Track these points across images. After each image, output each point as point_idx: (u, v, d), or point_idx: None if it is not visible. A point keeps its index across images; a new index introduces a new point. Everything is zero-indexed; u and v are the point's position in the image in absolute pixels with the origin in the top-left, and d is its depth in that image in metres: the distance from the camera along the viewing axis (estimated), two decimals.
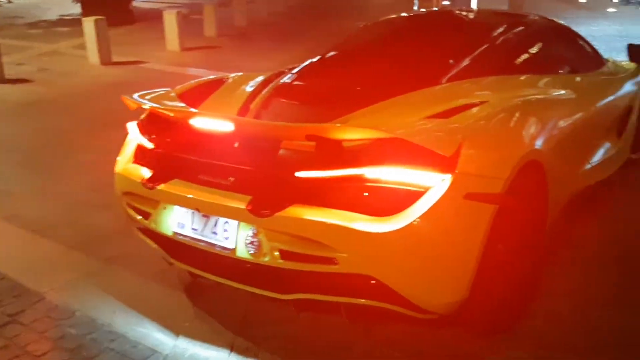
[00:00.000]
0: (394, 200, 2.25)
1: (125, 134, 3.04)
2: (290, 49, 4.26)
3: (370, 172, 2.26)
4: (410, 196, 2.24)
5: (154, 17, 14.63)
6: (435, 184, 2.24)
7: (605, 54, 4.58)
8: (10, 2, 21.48)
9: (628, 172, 4.40)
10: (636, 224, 3.74)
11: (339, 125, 2.34)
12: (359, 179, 2.27)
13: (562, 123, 3.18)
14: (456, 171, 2.27)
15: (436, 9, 7.32)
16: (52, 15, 17.75)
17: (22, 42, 12.56)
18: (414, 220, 2.20)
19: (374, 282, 2.27)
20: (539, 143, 2.80)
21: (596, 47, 4.52)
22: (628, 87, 4.29)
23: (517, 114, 2.81)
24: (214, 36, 12.87)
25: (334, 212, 2.26)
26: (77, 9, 15.94)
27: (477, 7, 13.56)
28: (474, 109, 2.69)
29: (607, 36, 11.37)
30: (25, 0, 22.98)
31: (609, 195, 4.12)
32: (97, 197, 4.27)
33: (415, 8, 12.61)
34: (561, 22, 4.46)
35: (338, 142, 2.32)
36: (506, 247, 2.49)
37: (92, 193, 4.39)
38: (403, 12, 5.00)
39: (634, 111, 4.35)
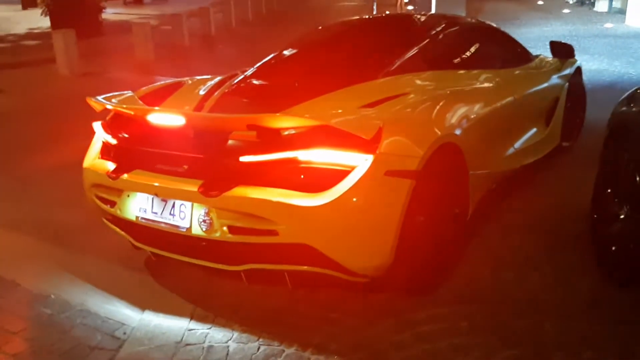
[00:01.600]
0: (325, 178, 2.62)
1: (91, 136, 3.38)
2: (253, 54, 4.57)
3: (304, 155, 2.63)
4: (339, 174, 2.62)
5: (124, 29, 14.88)
6: (359, 163, 2.62)
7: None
8: None
9: (557, 157, 4.85)
10: (558, 202, 4.16)
11: (273, 114, 2.69)
12: (294, 161, 2.64)
13: (481, 111, 3.59)
14: (377, 152, 2.65)
15: (388, 12, 7.77)
16: (21, 29, 17.84)
17: None
18: (342, 195, 2.58)
19: (310, 249, 2.63)
20: (455, 128, 3.20)
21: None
22: (553, 80, 4.74)
23: (435, 103, 3.21)
24: (183, 45, 13.15)
25: (274, 190, 2.63)
26: (46, 22, 16.09)
27: (436, 11, 14.08)
28: (397, 100, 3.09)
29: (558, 36, 11.96)
30: None
31: (537, 177, 4.54)
32: (64, 197, 4.57)
33: (374, 13, 13.12)
34: (492, 24, 4.91)
35: (275, 130, 2.69)
36: (426, 217, 2.88)
37: (60, 193, 4.69)
38: (359, 16, 5.41)
39: (561, 102, 4.78)
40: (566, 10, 17.57)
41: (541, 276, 3.22)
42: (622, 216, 3.08)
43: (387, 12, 7.62)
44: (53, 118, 7.38)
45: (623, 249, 3.03)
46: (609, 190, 3.28)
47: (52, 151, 5.88)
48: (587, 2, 18.54)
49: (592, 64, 9.18)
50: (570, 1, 20.09)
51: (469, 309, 2.91)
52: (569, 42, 5.22)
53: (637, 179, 2.92)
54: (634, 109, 3.23)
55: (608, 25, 14.08)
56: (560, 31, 13.04)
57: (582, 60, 9.28)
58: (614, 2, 16.88)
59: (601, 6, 17.21)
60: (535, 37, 11.71)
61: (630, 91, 3.53)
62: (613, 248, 3.11)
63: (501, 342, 2.65)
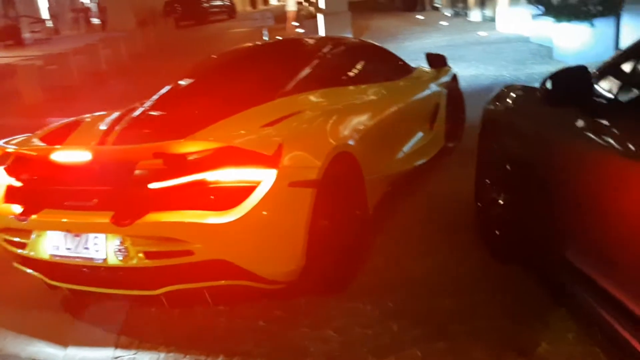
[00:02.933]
0: (233, 195, 2.81)
1: None
2: (149, 86, 4.64)
3: (211, 176, 2.82)
4: (246, 190, 2.82)
5: (7, 73, 14.27)
6: (264, 178, 2.84)
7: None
8: None
9: (445, 157, 5.31)
10: (449, 197, 4.57)
11: (178, 141, 2.85)
12: (202, 182, 2.82)
13: (371, 121, 3.93)
14: (280, 166, 2.88)
15: (280, 38, 8.13)
16: None
17: None
18: (251, 209, 2.77)
19: (226, 263, 2.80)
20: (349, 138, 3.51)
21: None
22: (432, 87, 5.20)
23: (329, 118, 3.51)
24: (71, 84, 12.83)
25: (185, 212, 2.78)
26: None
27: (325, 32, 14.65)
28: (293, 117, 3.35)
29: (437, 47, 12.85)
30: None
31: (429, 176, 4.96)
32: None
33: (265, 39, 13.49)
34: (373, 42, 5.33)
35: (181, 155, 2.85)
36: (330, 220, 3.13)
37: None
38: (251, 43, 5.66)
39: (441, 107, 5.25)
40: (444, 22, 18.80)
41: (435, 261, 3.57)
42: (500, 202, 3.50)
43: (278, 37, 7.95)
44: None
45: (502, 230, 3.43)
46: (487, 180, 3.70)
47: None
48: (462, 13, 19.93)
49: (470, 70, 9.95)
50: (447, 14, 21.49)
51: (379, 299, 3.19)
52: (447, 51, 5.73)
53: (507, 167, 3.33)
54: (500, 106, 3.67)
55: (482, 33, 15.23)
56: (439, 42, 13.98)
57: (460, 67, 10.11)
58: (486, 12, 18.28)
59: (474, 16, 18.57)
60: (417, 49, 12.48)
61: (498, 90, 3.99)
62: (495, 230, 3.51)
63: (411, 324, 2.93)
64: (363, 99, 4.19)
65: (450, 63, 5.78)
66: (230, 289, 2.95)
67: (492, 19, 16.61)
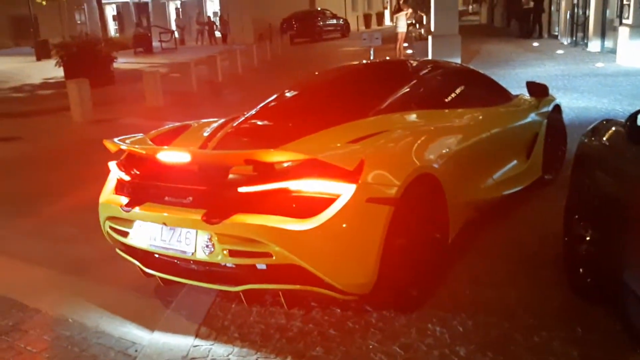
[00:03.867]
0: (313, 205, 2.97)
1: (102, 178, 3.76)
2: (257, 98, 4.92)
3: (294, 185, 2.99)
4: (325, 202, 2.97)
5: (134, 77, 15.52)
6: (343, 192, 2.97)
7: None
8: None
9: (540, 189, 5.18)
10: (537, 229, 4.46)
11: (267, 150, 3.06)
12: (286, 190, 3.00)
13: (460, 146, 3.95)
14: (359, 181, 3.00)
15: (388, 58, 8.32)
16: (36, 79, 18.60)
17: (9, 104, 13.32)
18: (328, 220, 2.92)
19: (301, 269, 2.95)
20: (434, 160, 3.56)
21: None
22: (531, 117, 5.11)
23: (417, 138, 3.57)
24: (191, 92, 13.72)
25: (268, 217, 2.97)
26: (59, 72, 16.80)
27: (432, 55, 14.62)
28: (380, 135, 3.47)
29: (550, 76, 12.43)
30: (4, 66, 23.89)
31: (520, 207, 4.86)
32: (79, 234, 4.93)
33: (371, 58, 13.69)
34: (480, 67, 5.32)
35: (269, 164, 3.06)
36: (407, 240, 3.20)
37: (75, 230, 5.06)
38: (359, 61, 5.87)
39: (540, 137, 5.14)
40: (560, 51, 18.10)
41: (518, 294, 3.50)
42: (587, 238, 3.40)
43: (387, 58, 8.15)
44: (68, 163, 7.82)
45: (588, 268, 3.32)
46: (576, 216, 3.59)
47: (67, 192, 6.27)
48: (581, 42, 19.10)
49: (581, 102, 9.55)
50: (564, 42, 20.66)
51: (450, 322, 3.20)
52: (560, 81, 5.58)
53: (597, 204, 3.24)
54: (594, 139, 3.57)
55: (599, 64, 14.53)
56: (552, 71, 13.50)
57: (571, 97, 9.75)
58: (606, 43, 17.41)
59: (594, 46, 17.73)
60: (528, 77, 12.08)
61: (595, 123, 3.88)
62: (580, 268, 3.41)
63: (479, 350, 2.93)
64: (456, 123, 4.21)
65: (561, 93, 5.66)
66: (306, 295, 3.10)
67: (613, 51, 15.79)
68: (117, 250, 3.69)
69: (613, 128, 3.47)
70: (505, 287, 3.58)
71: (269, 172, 3.05)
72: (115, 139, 3.64)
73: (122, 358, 3.16)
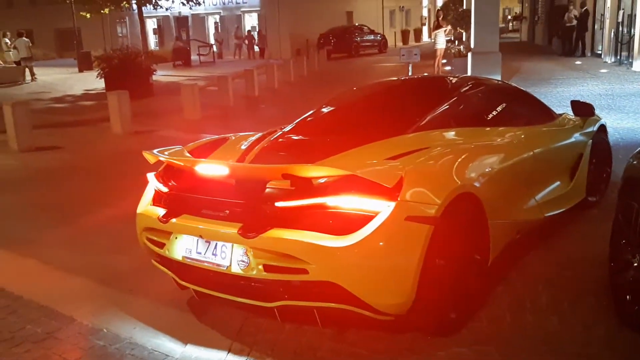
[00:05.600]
0: (351, 222, 2.91)
1: (140, 189, 3.77)
2: (293, 112, 4.93)
3: (332, 201, 2.94)
4: (363, 219, 2.91)
5: (173, 90, 15.78)
6: (382, 209, 2.91)
7: None
8: (33, 80, 23.02)
9: (585, 211, 5.02)
10: (582, 253, 4.31)
11: (305, 165, 3.02)
12: (324, 206, 2.95)
13: (502, 165, 3.85)
14: (399, 199, 2.94)
15: (426, 74, 8.31)
16: (77, 90, 19.08)
17: (50, 114, 13.67)
18: (366, 237, 2.86)
19: (337, 287, 2.89)
20: (475, 179, 3.47)
21: None
22: (576, 137, 4.97)
23: (457, 156, 3.49)
24: (228, 105, 13.86)
25: (305, 232, 2.93)
26: (100, 84, 17.19)
27: (472, 72, 14.46)
28: (420, 152, 3.41)
29: (593, 95, 12.14)
30: (48, 77, 24.59)
31: (563, 229, 4.71)
32: (116, 245, 4.97)
33: (410, 74, 13.60)
34: (521, 85, 5.20)
35: (307, 179, 3.02)
36: (446, 261, 3.11)
37: (112, 241, 5.10)
38: (398, 77, 5.81)
39: (584, 158, 4.99)
40: (604, 70, 17.71)
41: (561, 320, 3.37)
42: (635, 264, 3.25)
43: (425, 74, 8.11)
44: (107, 173, 7.94)
45: (636, 295, 3.18)
46: (623, 240, 3.45)
47: (105, 203, 6.35)
48: (625, 62, 18.66)
49: (627, 122, 9.29)
50: (608, 61, 20.23)
51: (488, 349, 3.09)
52: (603, 100, 5.43)
53: None
54: None
55: None
56: (596, 90, 13.19)
57: (616, 118, 9.49)
58: None
59: (638, 66, 17.30)
60: (570, 96, 11.89)
61: None
62: (627, 295, 3.26)
63: None
64: (498, 141, 4.11)
65: (605, 113, 5.50)
66: (339, 313, 3.03)
67: None
68: (153, 262, 3.69)
69: None
70: (547, 313, 3.45)
71: (306, 187, 3.01)
72: (154, 151, 3.66)
73: None
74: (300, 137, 4.18)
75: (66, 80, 22.92)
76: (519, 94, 5.11)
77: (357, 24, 35.09)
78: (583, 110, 5.13)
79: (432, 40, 19.25)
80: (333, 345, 3.20)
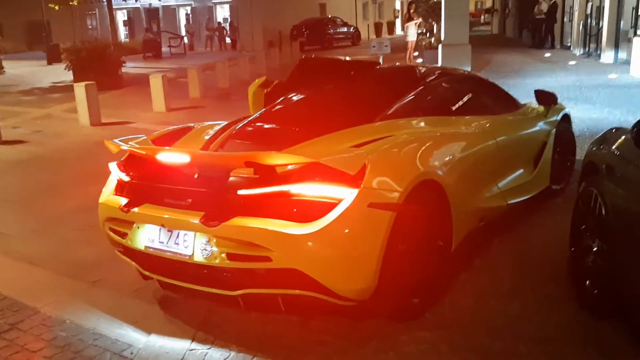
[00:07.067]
0: (314, 209, 2.91)
1: (104, 181, 3.73)
2: None
3: (295, 188, 2.94)
4: (327, 206, 2.91)
5: (142, 82, 15.56)
6: (345, 196, 2.91)
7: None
8: (2, 73, 22.51)
9: (549, 199, 5.10)
10: (544, 241, 4.38)
11: (268, 152, 3.01)
12: (287, 194, 2.95)
13: (465, 153, 3.88)
14: (362, 186, 2.95)
15: (398, 64, 8.35)
16: (45, 83, 18.68)
17: (17, 107, 13.39)
18: (329, 224, 2.86)
19: (300, 274, 2.89)
20: (438, 167, 3.50)
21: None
22: (539, 125, 5.04)
23: (421, 144, 3.51)
24: (198, 97, 13.72)
25: (268, 220, 2.92)
26: (68, 76, 16.87)
27: (442, 64, 14.56)
28: (385, 140, 3.42)
29: (562, 86, 12.32)
30: (17, 70, 24.06)
31: (527, 217, 4.78)
32: (80, 236, 4.91)
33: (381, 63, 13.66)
34: (481, 75, 5.25)
35: (270, 167, 3.01)
36: (408, 246, 3.13)
37: (76, 233, 5.03)
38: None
39: (548, 146, 5.06)
40: (572, 62, 17.99)
41: (522, 305, 3.43)
42: (594, 249, 3.32)
43: (397, 64, 8.18)
44: (73, 165, 7.81)
45: (595, 280, 3.25)
46: (583, 226, 3.52)
47: (70, 195, 6.25)
48: (594, 53, 18.98)
49: (593, 113, 9.45)
50: (577, 53, 20.56)
51: (450, 333, 3.13)
52: (571, 92, 5.49)
53: (604, 213, 3.16)
54: (602, 148, 3.50)
55: (612, 76, 14.42)
56: (564, 82, 13.39)
57: (583, 108, 9.66)
58: (619, 54, 17.28)
59: (607, 57, 17.60)
60: (539, 87, 12.07)
61: (603, 132, 3.80)
62: (586, 279, 3.33)
63: None
64: (462, 130, 4.15)
65: (572, 104, 5.58)
66: (304, 300, 3.04)
67: (626, 62, 15.67)
68: (117, 252, 3.64)
69: (622, 136, 3.40)
70: (509, 298, 3.51)
71: (269, 175, 3.00)
72: (116, 140, 3.60)
73: None
74: (265, 125, 4.16)
75: (35, 73, 22.43)
76: (484, 84, 5.16)
77: (330, 16, 35.04)
78: (547, 99, 5.20)
79: (404, 33, 19.32)
80: (298, 332, 3.21)
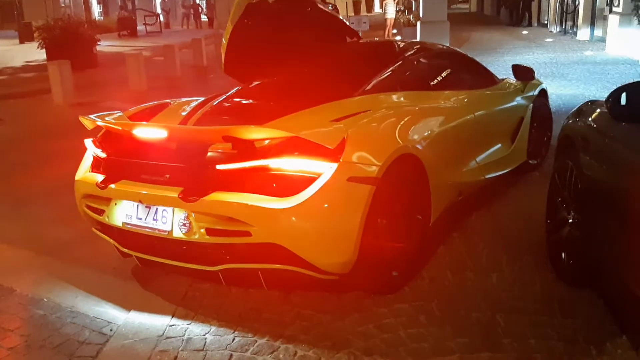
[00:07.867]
0: (294, 183, 2.91)
1: (80, 159, 3.67)
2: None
3: (274, 163, 2.92)
4: (306, 180, 2.91)
5: (118, 61, 15.29)
6: (324, 170, 2.91)
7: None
8: None
9: (526, 174, 5.16)
10: (521, 214, 4.44)
11: (246, 126, 2.98)
12: (266, 168, 2.93)
13: (443, 127, 3.90)
14: (341, 160, 2.94)
15: (377, 39, 8.32)
16: (18, 62, 18.25)
17: None
18: (309, 198, 2.86)
19: (281, 248, 2.89)
20: (416, 141, 3.51)
21: None
22: (517, 100, 5.07)
23: (400, 119, 3.52)
24: (176, 75, 13.53)
25: (247, 195, 2.91)
26: (42, 55, 16.49)
27: (420, 39, 14.55)
28: (364, 114, 3.40)
29: (538, 63, 12.43)
30: None
31: (504, 191, 4.84)
32: (57, 215, 4.84)
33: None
34: (460, 50, 5.26)
35: (249, 141, 2.98)
36: (387, 220, 3.15)
37: (53, 211, 4.96)
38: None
39: (525, 121, 5.10)
40: (549, 39, 18.13)
41: (499, 278, 3.48)
42: (569, 221, 3.37)
43: (376, 39, 8.16)
44: (47, 144, 7.67)
45: (571, 251, 3.30)
46: (559, 198, 3.57)
47: (45, 174, 6.16)
48: (570, 31, 19.13)
49: (569, 89, 9.55)
50: (553, 30, 20.70)
51: (428, 305, 3.17)
52: (548, 68, 5.52)
53: (580, 185, 3.21)
54: (578, 121, 3.53)
55: (588, 53, 14.58)
56: (541, 59, 13.50)
57: (559, 85, 9.75)
58: (595, 31, 17.44)
59: (583, 35, 17.77)
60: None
61: (579, 105, 3.84)
62: (562, 251, 3.38)
63: (454, 331, 2.90)
64: (441, 104, 4.16)
65: (549, 81, 5.63)
66: (284, 275, 3.04)
67: (602, 40, 15.85)
68: (94, 230, 3.61)
69: (597, 109, 3.43)
70: (487, 271, 3.56)
71: (248, 149, 2.98)
72: (92, 116, 3.54)
73: (96, 337, 3.08)
74: (244, 101, 4.13)
75: (6, 53, 21.84)
76: (463, 58, 5.17)
77: None
78: (524, 74, 5.23)
79: (383, 11, 19.22)
80: (278, 306, 3.22)
